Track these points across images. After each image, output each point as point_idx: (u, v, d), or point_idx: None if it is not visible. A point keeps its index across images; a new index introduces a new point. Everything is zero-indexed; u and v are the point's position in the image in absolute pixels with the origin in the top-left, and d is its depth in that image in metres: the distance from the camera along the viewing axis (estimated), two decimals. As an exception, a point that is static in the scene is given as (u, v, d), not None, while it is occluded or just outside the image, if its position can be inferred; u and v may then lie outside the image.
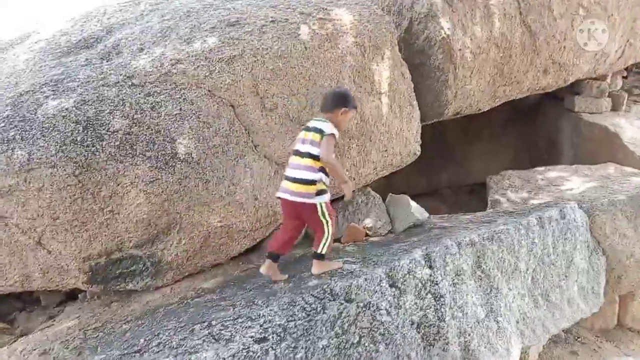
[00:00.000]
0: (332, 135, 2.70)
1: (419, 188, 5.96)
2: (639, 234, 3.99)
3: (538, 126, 6.14)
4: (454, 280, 2.96)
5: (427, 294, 2.83)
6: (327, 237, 2.79)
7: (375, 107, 3.51)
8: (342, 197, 3.62)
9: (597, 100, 5.57)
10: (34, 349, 2.63)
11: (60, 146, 2.73)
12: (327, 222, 2.76)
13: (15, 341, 2.95)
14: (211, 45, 3.12)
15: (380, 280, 2.72)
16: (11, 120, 2.80)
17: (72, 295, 3.41)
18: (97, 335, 2.70)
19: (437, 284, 2.88)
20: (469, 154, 6.28)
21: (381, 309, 2.65)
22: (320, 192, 2.71)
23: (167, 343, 2.35)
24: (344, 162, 3.44)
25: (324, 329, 2.46)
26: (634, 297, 4.61)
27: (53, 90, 2.94)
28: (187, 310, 2.73)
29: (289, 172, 2.73)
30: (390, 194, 3.86)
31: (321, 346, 2.41)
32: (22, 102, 2.90)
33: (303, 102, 3.23)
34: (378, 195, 3.81)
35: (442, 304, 2.85)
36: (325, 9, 3.49)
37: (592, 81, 5.51)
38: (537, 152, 6.06)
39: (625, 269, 3.95)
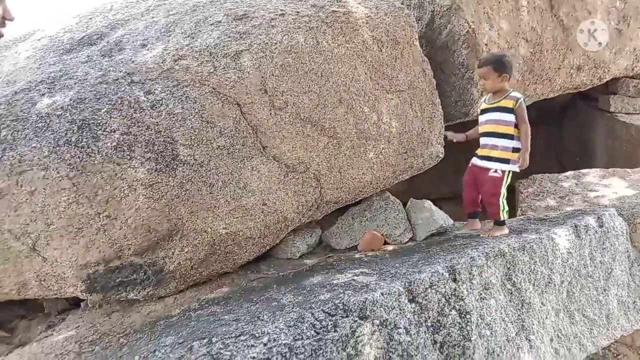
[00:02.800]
0: None
1: (445, 192, 5.66)
2: (685, 243, 3.65)
3: (569, 128, 5.79)
4: (481, 294, 2.70)
5: (451, 310, 2.58)
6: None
7: (394, 105, 3.26)
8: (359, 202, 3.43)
9: (635, 100, 5.20)
10: (25, 364, 2.46)
11: (53, 147, 2.55)
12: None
13: (10, 352, 2.79)
14: (216, 40, 2.92)
15: (399, 295, 2.47)
16: (3, 119, 2.63)
17: (77, 302, 3.24)
18: (93, 349, 2.52)
19: (462, 299, 2.62)
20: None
21: (399, 327, 2.39)
22: None
23: (162, 362, 2.14)
24: (361, 165, 3.20)
25: (334, 349, 2.21)
26: (678, 312, 4.25)
27: (49, 88, 2.78)
28: (189, 324, 2.52)
29: None
30: (412, 199, 3.60)
31: (332, 368, 2.17)
32: (16, 100, 2.73)
33: (315, 101, 3.00)
34: (398, 200, 3.56)
35: (467, 321, 2.58)
36: (340, 0, 3.26)
37: (629, 80, 5.16)
38: (568, 156, 5.70)
39: (669, 281, 3.62)
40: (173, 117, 2.72)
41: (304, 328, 2.26)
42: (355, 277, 2.73)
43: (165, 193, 2.69)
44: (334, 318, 2.32)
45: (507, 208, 3.16)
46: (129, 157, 2.63)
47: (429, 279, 2.57)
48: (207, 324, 2.45)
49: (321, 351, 2.17)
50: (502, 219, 3.16)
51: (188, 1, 3.34)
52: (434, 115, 3.51)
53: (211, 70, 2.84)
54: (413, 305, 2.49)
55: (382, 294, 2.44)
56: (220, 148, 2.79)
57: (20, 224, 2.61)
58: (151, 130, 2.69)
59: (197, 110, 2.75)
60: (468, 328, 2.56)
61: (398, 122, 3.28)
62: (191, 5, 3.26)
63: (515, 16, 3.80)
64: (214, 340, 2.23)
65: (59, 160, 2.54)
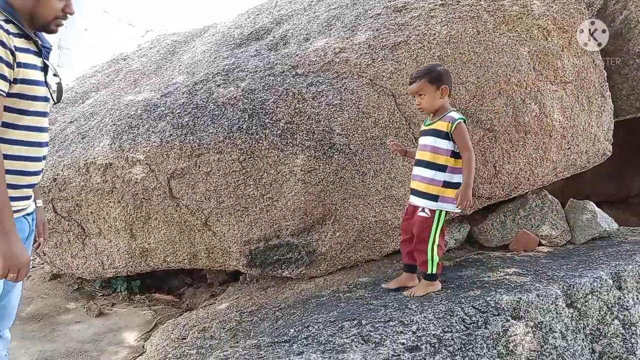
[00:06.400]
0: None
1: (605, 194, 5.18)
2: None
3: None
4: (650, 306, 2.46)
5: (613, 320, 2.40)
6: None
7: (558, 97, 3.07)
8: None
9: None
10: (195, 326, 2.77)
11: (227, 133, 2.83)
12: None
13: (180, 315, 3.15)
14: (375, 32, 2.99)
15: (556, 298, 2.36)
16: (185, 107, 2.97)
17: (235, 276, 3.56)
18: (252, 319, 2.75)
19: (627, 310, 2.43)
20: (672, 159, 5.31)
21: (555, 332, 2.28)
22: None
23: (316, 337, 2.28)
24: (518, 159, 3.06)
25: (485, 345, 2.18)
26: None
27: (224, 80, 3.07)
28: (338, 304, 2.65)
29: None
30: (572, 199, 3.37)
31: (480, 364, 2.15)
32: (196, 90, 3.07)
33: (472, 92, 2.93)
34: (556, 199, 3.35)
35: (632, 334, 2.39)
36: (504, -12, 3.14)
37: None
38: None
39: None
40: (332, 108, 2.85)
41: (454, 321, 2.25)
42: (508, 277, 2.64)
43: (321, 179, 2.84)
44: (484, 315, 2.29)
45: (437, 259, 2.48)
46: (291, 145, 2.82)
47: (590, 284, 2.41)
48: (356, 306, 2.55)
49: (471, 346, 2.15)
50: (430, 271, 2.50)
51: (348, -5, 3.46)
52: (603, 109, 3.24)
53: (369, 62, 2.92)
54: (571, 310, 2.36)
55: (537, 295, 2.34)
56: (374, 138, 2.86)
57: (196, 201, 2.93)
58: (312, 119, 2.85)
59: (354, 101, 2.86)
60: (632, 341, 2.36)
61: (562, 115, 3.08)
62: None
63: None
64: (363, 322, 2.32)
65: (231, 145, 2.81)
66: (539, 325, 2.27)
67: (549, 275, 2.55)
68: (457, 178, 2.41)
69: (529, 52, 3.01)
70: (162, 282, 3.76)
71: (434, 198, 2.43)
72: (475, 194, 3.08)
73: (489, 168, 3.03)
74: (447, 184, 2.41)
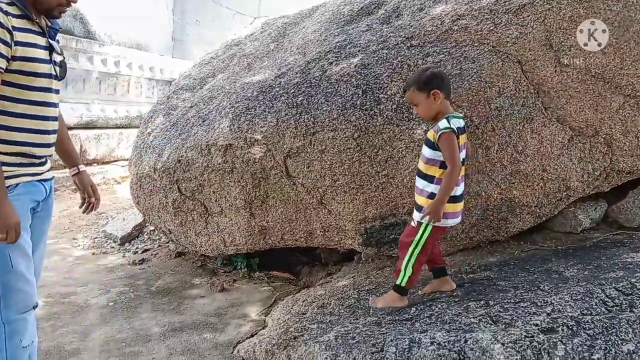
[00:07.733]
0: None
1: None
2: None
3: None
4: None
5: None
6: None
7: None
8: None
9: None
10: (313, 302, 2.79)
11: (341, 110, 2.80)
12: None
13: (298, 292, 3.20)
14: (497, -5, 2.79)
15: None
16: (299, 86, 2.98)
17: (348, 256, 3.55)
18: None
19: None
20: None
21: None
22: None
23: (440, 316, 2.20)
24: (629, 128, 2.72)
25: (630, 330, 1.97)
26: None
27: (336, 57, 3.04)
28: (462, 285, 2.53)
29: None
30: None
31: (626, 350, 1.93)
32: (309, 69, 3.06)
33: (610, 54, 2.64)
34: None
35: None
36: None
37: None
38: None
39: None
40: (451, 78, 2.67)
41: (593, 304, 2.07)
42: (656, 257, 2.37)
43: (440, 155, 2.72)
44: (629, 297, 2.08)
45: (410, 272, 2.31)
46: (407, 120, 2.72)
47: None
48: (482, 287, 2.42)
49: (614, 330, 1.95)
50: (398, 282, 2.35)
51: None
52: None
53: (491, 28, 2.73)
54: None
55: (695, 277, 2.07)
56: (498, 109, 2.68)
57: (311, 179, 2.94)
58: (428, 92, 2.72)
59: (475, 70, 2.69)
60: None
61: None
62: (468, -36, 3.17)
63: None
64: (491, 303, 2.20)
65: (346, 122, 2.77)
66: (699, 311, 2.00)
67: None
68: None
69: (679, 4, 2.65)
70: (280, 261, 3.86)
71: (420, 209, 2.31)
72: (615, 168, 2.79)
73: (630, 139, 2.73)
74: (433, 197, 2.26)
